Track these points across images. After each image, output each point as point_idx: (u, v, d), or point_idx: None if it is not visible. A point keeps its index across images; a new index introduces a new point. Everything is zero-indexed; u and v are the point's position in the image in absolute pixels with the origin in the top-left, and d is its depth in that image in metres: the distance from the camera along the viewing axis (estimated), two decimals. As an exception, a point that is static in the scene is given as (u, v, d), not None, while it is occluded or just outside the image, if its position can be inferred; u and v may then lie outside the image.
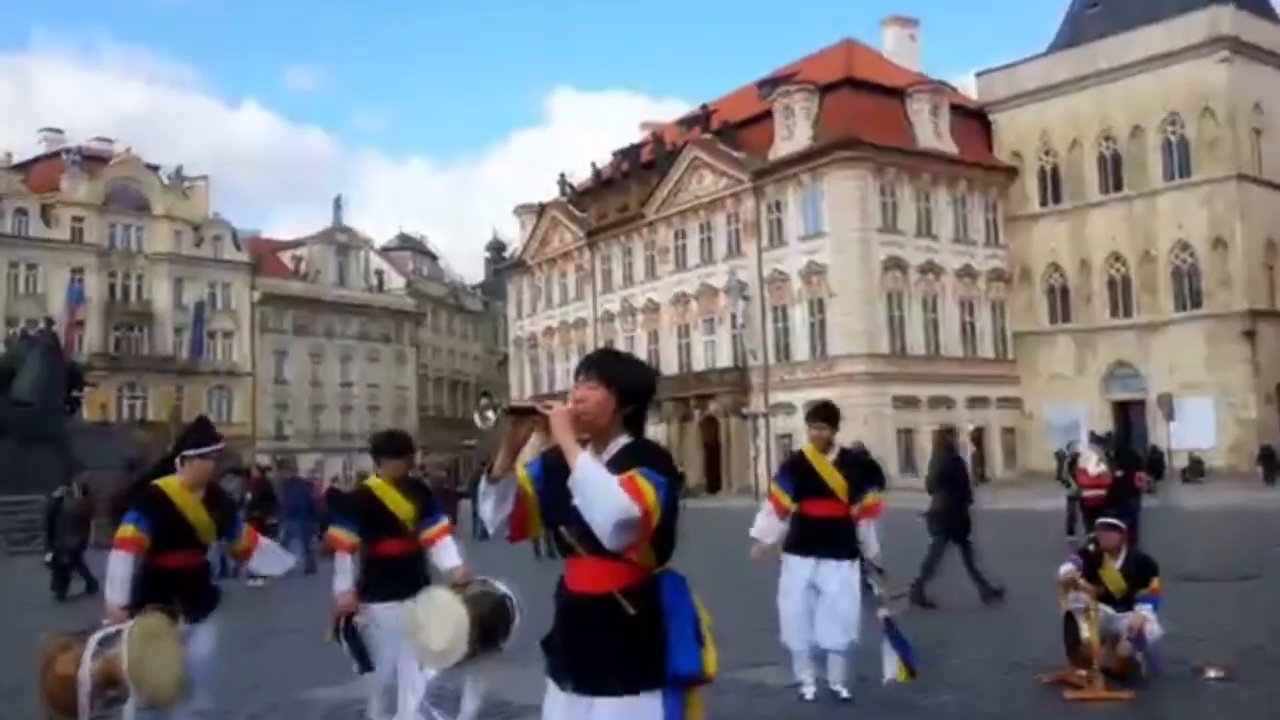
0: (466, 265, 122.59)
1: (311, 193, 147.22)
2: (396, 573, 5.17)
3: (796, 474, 6.12)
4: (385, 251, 77.01)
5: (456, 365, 79.78)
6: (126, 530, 4.79)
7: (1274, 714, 5.52)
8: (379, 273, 72.91)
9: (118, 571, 4.75)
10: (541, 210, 59.84)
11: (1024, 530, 18.01)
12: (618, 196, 54.09)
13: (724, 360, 46.52)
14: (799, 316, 43.80)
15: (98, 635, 4.42)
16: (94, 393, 37.98)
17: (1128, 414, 41.48)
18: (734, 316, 44.91)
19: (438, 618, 4.74)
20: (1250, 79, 41.17)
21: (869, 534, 6.05)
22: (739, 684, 6.29)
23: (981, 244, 45.64)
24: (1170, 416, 33.64)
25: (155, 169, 60.97)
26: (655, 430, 48.80)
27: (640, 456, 2.86)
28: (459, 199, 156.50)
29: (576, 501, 2.74)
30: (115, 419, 50.35)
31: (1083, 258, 44.04)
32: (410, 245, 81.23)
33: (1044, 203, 45.60)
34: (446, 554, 5.21)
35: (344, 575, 5.30)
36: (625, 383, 2.96)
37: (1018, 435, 44.43)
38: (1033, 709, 5.94)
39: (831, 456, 6.12)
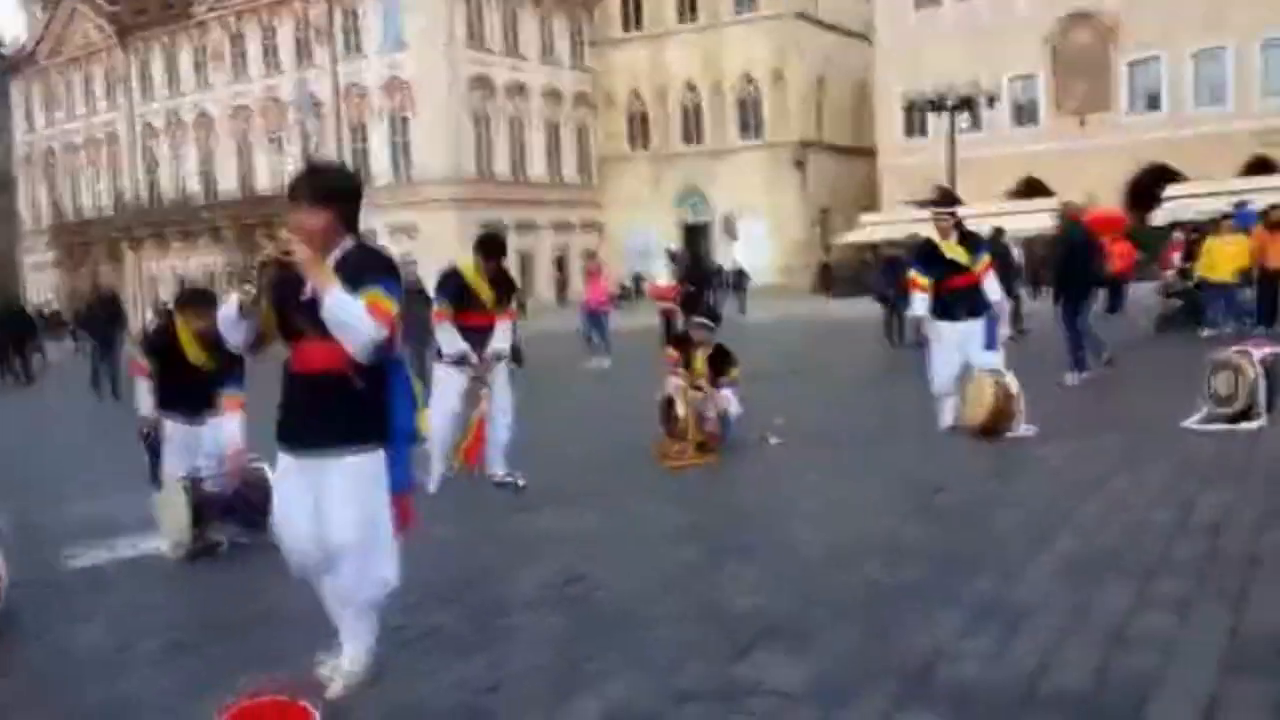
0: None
1: None
2: (185, 396, 6.19)
3: (453, 290, 7.19)
4: None
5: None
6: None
7: (811, 464, 7.62)
8: None
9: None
10: (60, -3, 53.31)
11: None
12: (159, -13, 49.57)
13: (294, 182, 45.40)
14: (379, 135, 43.59)
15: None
16: None
17: (695, 235, 46.36)
18: (305, 133, 43.76)
19: (167, 511, 5.81)
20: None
21: (508, 333, 7.41)
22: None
23: (568, 67, 47.67)
24: (733, 237, 38.48)
25: None
26: (219, 259, 46.89)
27: (370, 266, 3.58)
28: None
29: (331, 328, 3.45)
30: None
31: (661, 85, 47.64)
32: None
33: (626, 28, 48.31)
34: (227, 429, 5.98)
35: (145, 396, 6.36)
36: (339, 196, 3.63)
37: (599, 258, 48.07)
38: (643, 476, 7.62)
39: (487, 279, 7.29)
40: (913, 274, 8.62)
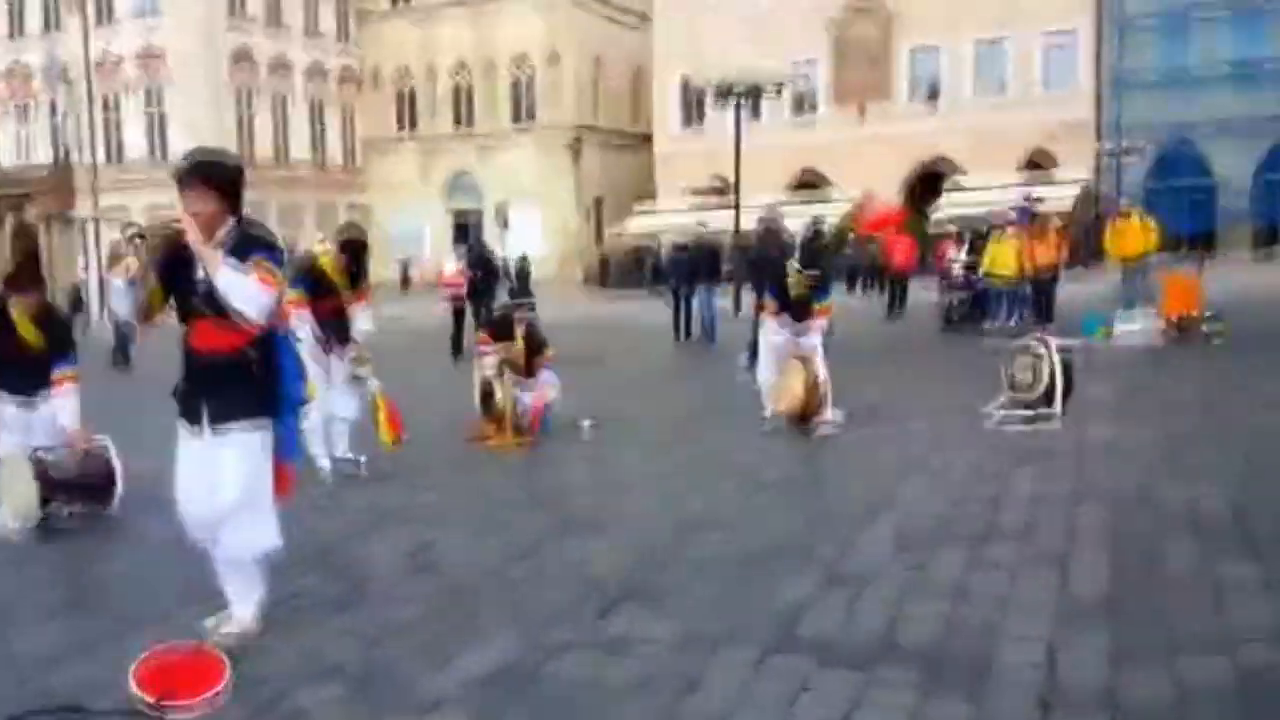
0: None
1: None
2: (19, 375, 6.15)
3: (311, 279, 7.41)
4: None
5: None
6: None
7: (630, 447, 8.00)
8: None
9: None
10: None
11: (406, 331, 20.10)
12: None
13: (41, 156, 42.61)
14: (133, 108, 41.32)
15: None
16: None
17: (467, 223, 45.83)
18: (53, 104, 40.91)
19: (12, 487, 5.90)
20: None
21: (367, 314, 7.64)
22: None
23: (333, 40, 46.21)
24: (504, 226, 38.30)
25: None
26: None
27: (254, 241, 3.96)
28: None
29: (227, 302, 3.81)
30: None
31: (430, 65, 46.70)
32: None
33: (395, 2, 47.20)
34: (63, 406, 5.97)
35: None
36: (225, 181, 3.97)
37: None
38: (465, 457, 7.90)
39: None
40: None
